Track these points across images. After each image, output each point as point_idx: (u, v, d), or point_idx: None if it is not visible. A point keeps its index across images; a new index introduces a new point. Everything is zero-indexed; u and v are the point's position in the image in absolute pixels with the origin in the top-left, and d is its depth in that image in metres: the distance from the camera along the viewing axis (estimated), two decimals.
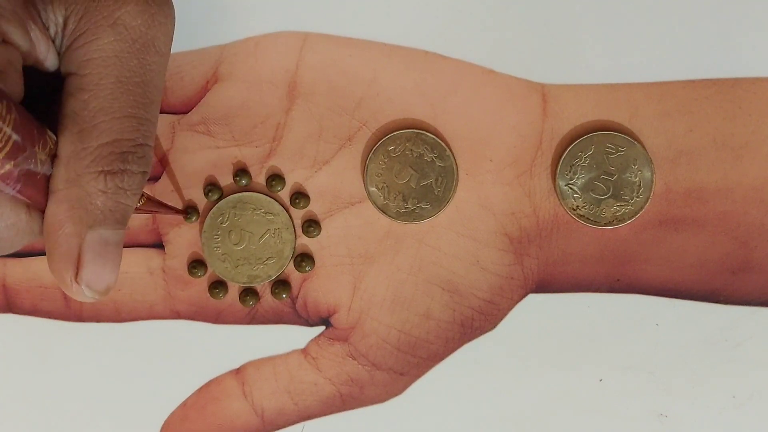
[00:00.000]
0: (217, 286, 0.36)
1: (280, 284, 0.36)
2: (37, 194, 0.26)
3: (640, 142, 0.35)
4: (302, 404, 0.36)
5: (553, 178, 0.35)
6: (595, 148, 0.35)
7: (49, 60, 0.27)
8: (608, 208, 0.35)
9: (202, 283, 0.36)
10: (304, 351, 0.36)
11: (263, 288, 0.36)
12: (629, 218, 0.35)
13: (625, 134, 0.35)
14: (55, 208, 0.25)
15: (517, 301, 0.36)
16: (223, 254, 0.36)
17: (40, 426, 0.37)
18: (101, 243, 0.25)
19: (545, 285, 0.36)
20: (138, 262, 0.36)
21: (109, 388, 0.36)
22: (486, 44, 0.36)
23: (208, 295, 0.36)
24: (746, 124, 0.35)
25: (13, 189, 0.25)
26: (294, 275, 0.36)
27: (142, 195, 0.28)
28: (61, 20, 0.26)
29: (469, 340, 0.36)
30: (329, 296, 0.36)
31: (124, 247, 0.37)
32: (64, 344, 0.36)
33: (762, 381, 0.36)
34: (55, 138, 0.26)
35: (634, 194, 0.35)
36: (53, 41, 0.26)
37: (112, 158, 0.25)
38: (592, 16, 0.36)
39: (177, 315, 0.36)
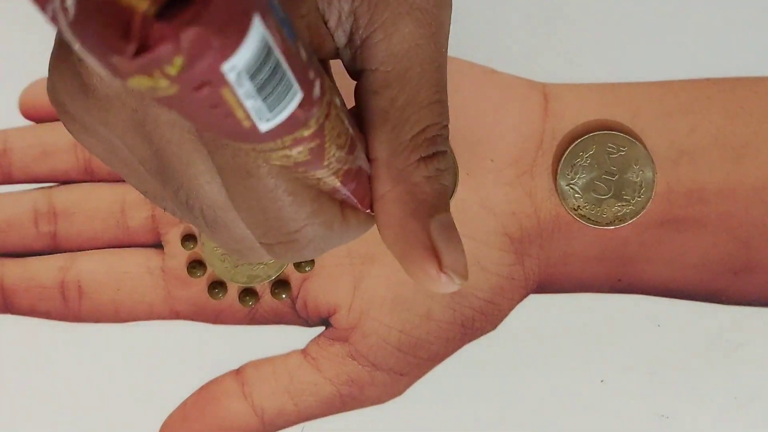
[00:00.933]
0: (217, 286, 0.36)
1: (280, 284, 0.36)
2: (365, 193, 0.24)
3: (641, 141, 0.35)
4: (302, 405, 0.36)
5: (554, 178, 0.35)
6: (597, 147, 0.35)
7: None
8: (609, 208, 0.35)
9: (201, 283, 0.36)
10: (304, 351, 0.36)
11: (263, 288, 0.36)
12: (630, 218, 0.35)
13: (626, 134, 0.35)
14: (391, 210, 0.24)
15: (518, 302, 0.36)
16: (222, 254, 0.36)
17: (39, 427, 0.36)
18: (445, 227, 0.24)
19: (546, 285, 0.36)
20: (137, 262, 0.36)
21: (108, 389, 0.36)
22: (487, 43, 0.36)
23: (208, 295, 0.36)
24: (748, 124, 0.35)
25: (349, 189, 0.23)
26: (294, 275, 0.36)
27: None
28: (347, 10, 0.24)
29: (470, 340, 0.36)
30: (329, 296, 0.36)
31: (122, 247, 0.37)
32: (63, 345, 0.36)
33: (763, 382, 0.36)
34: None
35: (636, 194, 0.35)
36: (332, 35, 0.25)
37: (426, 145, 0.24)
38: (594, 15, 0.36)
39: (176, 315, 0.36)
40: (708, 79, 0.35)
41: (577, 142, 0.35)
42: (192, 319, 0.36)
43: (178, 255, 0.36)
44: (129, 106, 0.22)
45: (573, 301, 0.36)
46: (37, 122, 0.37)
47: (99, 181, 0.37)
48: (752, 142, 0.35)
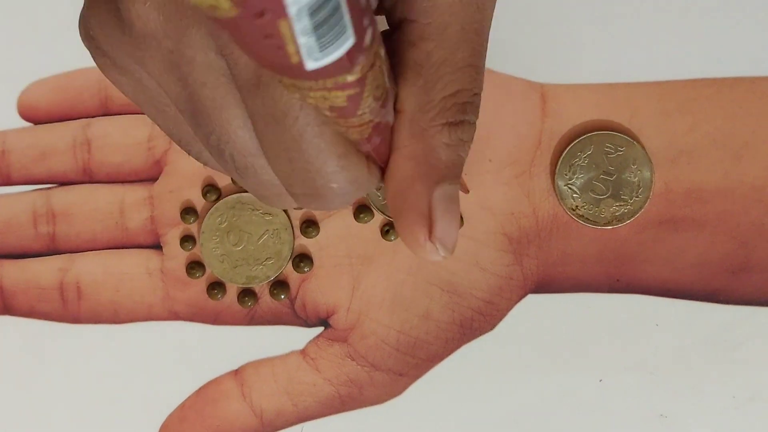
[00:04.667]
0: (216, 287, 0.36)
1: (279, 285, 0.36)
2: (386, 149, 0.24)
3: (639, 141, 0.35)
4: (301, 405, 0.36)
5: (553, 178, 0.35)
6: (595, 147, 0.35)
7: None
8: (607, 208, 0.35)
9: (200, 284, 0.36)
10: (303, 352, 0.36)
11: (262, 289, 0.36)
12: (629, 218, 0.35)
13: (624, 134, 0.35)
14: (402, 165, 0.24)
15: (517, 302, 0.36)
16: (221, 255, 0.36)
17: (38, 428, 0.36)
18: (448, 199, 0.24)
19: (544, 285, 0.36)
20: (136, 263, 0.36)
21: (107, 390, 0.36)
22: None
23: (207, 296, 0.36)
24: (746, 124, 0.35)
25: (374, 144, 0.23)
26: (292, 276, 0.36)
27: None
28: None
29: (469, 340, 0.36)
30: (328, 297, 0.36)
31: (121, 248, 0.37)
32: (62, 346, 0.36)
33: (762, 381, 0.36)
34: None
35: (634, 194, 0.35)
36: None
37: (455, 110, 0.24)
38: (592, 15, 0.36)
39: (175, 316, 0.36)
40: (706, 79, 0.35)
41: (575, 142, 0.35)
42: (191, 320, 0.36)
43: (177, 256, 0.36)
44: (165, 46, 0.22)
45: (571, 301, 0.36)
46: (35, 123, 0.37)
47: (98, 182, 0.37)
48: (751, 141, 0.35)
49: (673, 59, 0.36)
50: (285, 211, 0.36)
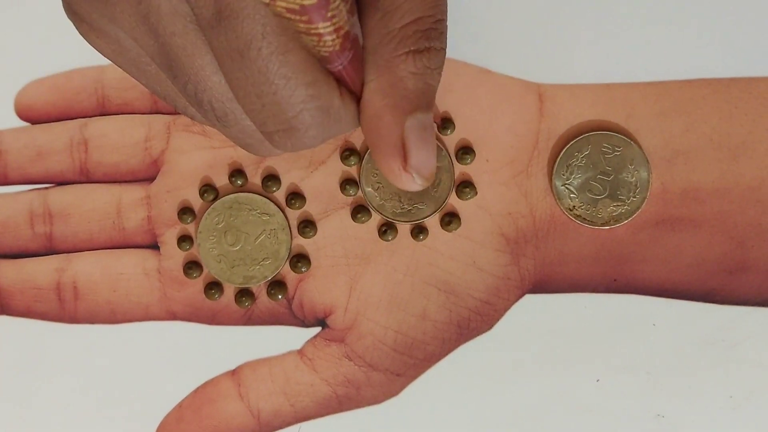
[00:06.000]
0: (213, 287, 0.36)
1: (276, 285, 0.36)
2: (356, 75, 0.24)
3: (636, 142, 0.35)
4: (298, 405, 0.36)
5: (550, 178, 0.35)
6: (592, 148, 0.35)
7: None
8: (605, 208, 0.35)
9: (197, 284, 0.36)
10: (300, 352, 0.36)
11: (259, 289, 0.36)
12: (626, 218, 0.35)
13: (621, 134, 0.35)
14: (370, 98, 0.24)
15: (514, 302, 0.36)
16: (218, 255, 0.36)
17: (35, 428, 0.36)
18: (420, 128, 0.24)
19: (542, 285, 0.36)
20: (133, 263, 0.36)
21: (104, 390, 0.36)
22: (481, 43, 0.36)
23: (204, 296, 0.36)
24: (743, 124, 0.35)
25: (343, 61, 0.23)
26: (290, 276, 0.36)
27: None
28: None
29: (466, 340, 0.36)
30: (325, 297, 0.36)
31: (118, 248, 0.37)
32: (59, 346, 0.36)
33: (759, 381, 0.36)
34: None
35: (631, 194, 0.35)
36: None
37: (417, 37, 0.24)
38: (589, 15, 0.36)
39: (172, 316, 0.36)
40: (703, 80, 0.36)
41: (572, 143, 0.35)
42: (188, 320, 0.36)
43: (174, 256, 0.36)
44: None
45: (569, 301, 0.36)
46: (32, 123, 0.37)
47: (95, 182, 0.37)
48: (747, 142, 0.35)
49: (670, 60, 0.36)
50: (282, 211, 0.36)
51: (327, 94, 0.23)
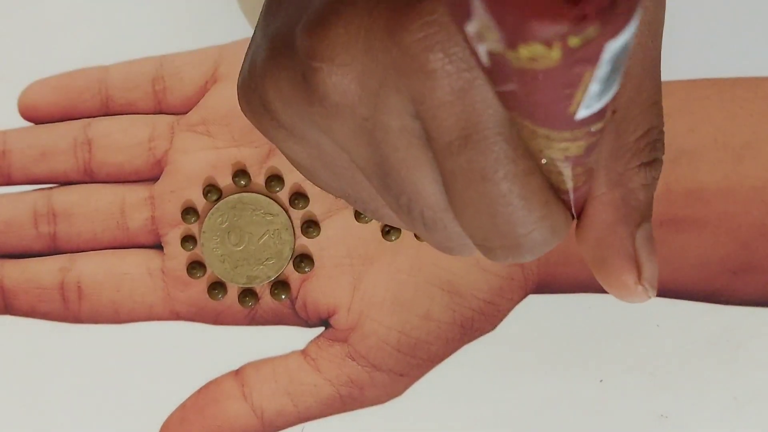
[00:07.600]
0: (216, 287, 0.36)
1: (280, 285, 0.36)
2: (584, 197, 0.23)
3: None
4: (302, 405, 0.36)
5: None
6: None
7: None
8: None
9: (201, 284, 0.36)
10: (304, 352, 0.36)
11: (262, 289, 0.36)
12: None
13: None
14: (602, 212, 0.23)
15: (517, 302, 0.36)
16: (222, 255, 0.36)
17: (38, 428, 0.36)
18: (648, 238, 0.24)
19: (545, 285, 0.36)
20: (137, 263, 0.36)
21: (107, 390, 0.36)
22: None
23: (208, 296, 0.36)
24: (747, 124, 0.35)
25: (581, 192, 0.22)
26: (293, 276, 0.36)
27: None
28: None
29: (469, 341, 0.36)
30: (329, 297, 0.36)
31: (122, 248, 0.37)
32: (63, 346, 0.36)
33: (763, 382, 0.36)
34: None
35: None
36: None
37: (647, 150, 0.23)
38: None
39: (176, 316, 0.36)
40: (707, 80, 0.35)
41: None
42: (192, 320, 0.36)
43: (177, 256, 0.36)
44: (360, 114, 0.21)
45: (572, 301, 0.36)
46: (36, 123, 0.37)
47: (99, 182, 0.37)
48: (752, 142, 0.35)
49: (674, 60, 0.36)
50: (286, 211, 0.36)
51: (558, 214, 0.22)
